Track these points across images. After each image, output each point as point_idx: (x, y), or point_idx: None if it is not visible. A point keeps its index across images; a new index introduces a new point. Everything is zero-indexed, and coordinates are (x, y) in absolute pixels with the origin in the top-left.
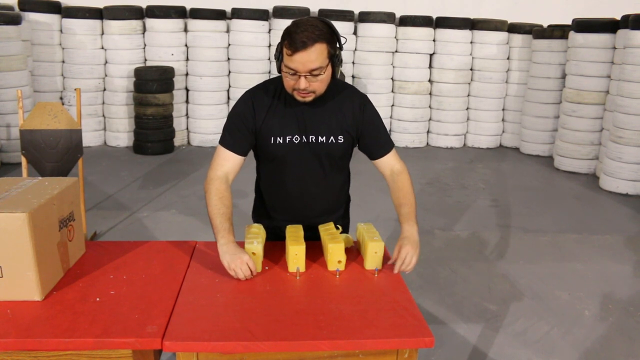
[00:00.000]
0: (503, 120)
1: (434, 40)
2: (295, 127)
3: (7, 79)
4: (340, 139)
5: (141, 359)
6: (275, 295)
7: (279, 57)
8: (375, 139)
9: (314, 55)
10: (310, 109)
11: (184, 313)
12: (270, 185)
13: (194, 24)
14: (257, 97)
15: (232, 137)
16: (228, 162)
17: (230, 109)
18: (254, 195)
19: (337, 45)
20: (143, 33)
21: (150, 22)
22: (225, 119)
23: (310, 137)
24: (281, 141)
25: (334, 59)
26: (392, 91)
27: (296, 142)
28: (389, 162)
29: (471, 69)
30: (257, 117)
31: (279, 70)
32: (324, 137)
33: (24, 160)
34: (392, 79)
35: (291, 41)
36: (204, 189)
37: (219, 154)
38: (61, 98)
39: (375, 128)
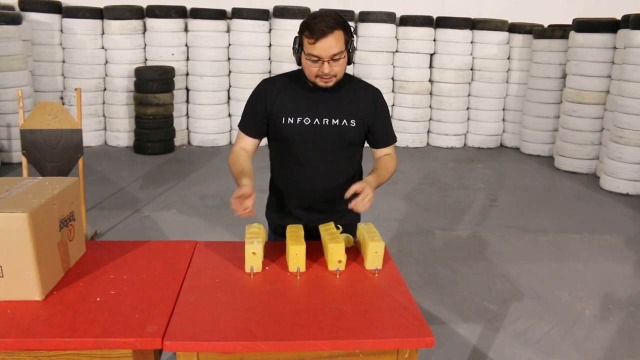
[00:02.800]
0: (503, 120)
1: (434, 40)
2: (308, 110)
3: (7, 78)
4: (353, 123)
5: (141, 359)
6: (275, 295)
7: (298, 49)
8: (383, 130)
9: (334, 41)
10: (325, 95)
11: (184, 313)
12: (281, 168)
13: (194, 23)
14: (269, 83)
15: (244, 120)
16: (242, 141)
17: (230, 109)
18: (256, 195)
19: (351, 33)
20: (143, 33)
21: (151, 21)
22: (225, 119)
23: (324, 120)
24: (292, 121)
25: (349, 45)
26: (393, 91)
27: (306, 123)
28: (386, 151)
29: (471, 69)
30: (267, 101)
31: (299, 63)
32: (337, 120)
33: (24, 160)
34: (392, 78)
35: (312, 31)
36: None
37: (238, 134)
38: (61, 98)
39: (384, 120)
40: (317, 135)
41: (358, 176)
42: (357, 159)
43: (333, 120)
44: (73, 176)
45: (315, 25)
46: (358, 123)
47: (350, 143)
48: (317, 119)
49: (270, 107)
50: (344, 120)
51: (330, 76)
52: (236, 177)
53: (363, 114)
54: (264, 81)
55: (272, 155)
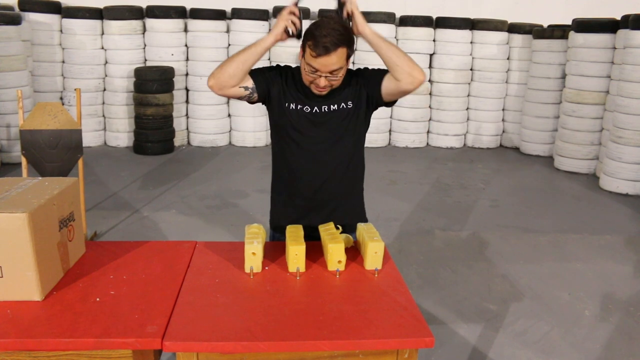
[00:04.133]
0: (503, 120)
1: (434, 41)
2: (308, 99)
3: (7, 79)
4: (350, 104)
5: (141, 359)
6: (275, 295)
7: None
8: (376, 71)
9: (336, 59)
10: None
11: (184, 313)
12: (283, 157)
13: (194, 24)
14: (283, 66)
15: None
16: None
17: (230, 109)
18: (254, 195)
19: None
20: (143, 33)
21: (150, 22)
22: (225, 119)
23: (323, 107)
24: (294, 107)
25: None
26: None
27: (307, 111)
28: None
29: (471, 69)
30: (281, 77)
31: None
32: (335, 105)
33: (24, 161)
34: None
35: (315, 44)
36: (216, 71)
37: None
38: (61, 98)
39: (375, 70)
40: (318, 122)
41: (361, 162)
42: (359, 155)
43: (332, 106)
44: (73, 176)
45: (320, 39)
46: (354, 100)
47: (350, 125)
48: (316, 107)
49: (279, 87)
50: (342, 104)
51: (326, 87)
52: (252, 43)
53: (355, 88)
54: (283, 65)
55: (275, 145)
